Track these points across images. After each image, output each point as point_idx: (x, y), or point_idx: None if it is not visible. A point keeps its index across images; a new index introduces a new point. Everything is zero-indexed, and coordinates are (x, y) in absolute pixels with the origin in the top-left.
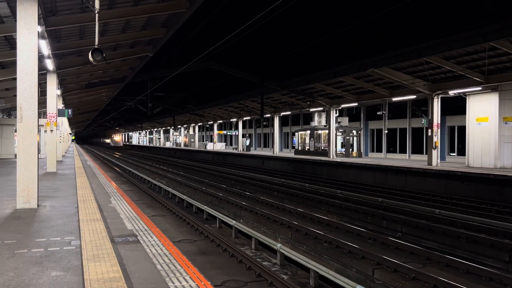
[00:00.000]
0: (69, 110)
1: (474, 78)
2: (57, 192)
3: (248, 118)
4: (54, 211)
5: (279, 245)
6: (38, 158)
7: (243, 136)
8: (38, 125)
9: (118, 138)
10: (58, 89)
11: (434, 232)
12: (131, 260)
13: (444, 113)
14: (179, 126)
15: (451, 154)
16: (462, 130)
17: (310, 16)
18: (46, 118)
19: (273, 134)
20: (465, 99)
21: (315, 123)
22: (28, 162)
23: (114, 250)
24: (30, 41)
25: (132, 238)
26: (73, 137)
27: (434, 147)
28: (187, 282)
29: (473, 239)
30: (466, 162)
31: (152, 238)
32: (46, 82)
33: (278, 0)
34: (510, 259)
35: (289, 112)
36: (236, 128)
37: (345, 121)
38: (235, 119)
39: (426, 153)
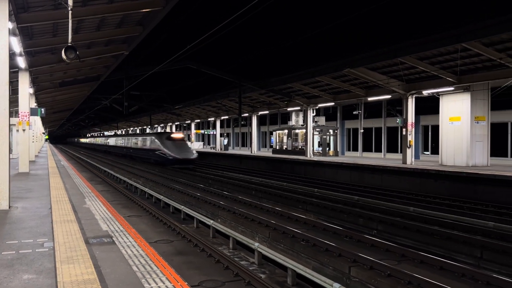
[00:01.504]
0: (42, 109)
1: (447, 78)
2: (30, 193)
3: (226, 117)
4: (26, 213)
5: (256, 244)
6: (9, 158)
7: (221, 135)
8: (10, 125)
9: (178, 134)
10: (31, 87)
11: (409, 230)
12: (106, 262)
13: (418, 112)
14: (156, 126)
15: (425, 153)
16: (436, 129)
17: (288, 16)
18: (18, 117)
19: (251, 133)
20: (439, 99)
21: (292, 122)
22: None
23: (88, 252)
24: (1, 38)
25: (107, 239)
26: (47, 137)
27: (408, 146)
28: (164, 283)
29: (446, 236)
30: (440, 161)
31: (128, 239)
32: (18, 81)
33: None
34: (481, 255)
35: (267, 112)
36: (214, 127)
37: (322, 120)
38: (213, 118)
39: (401, 152)
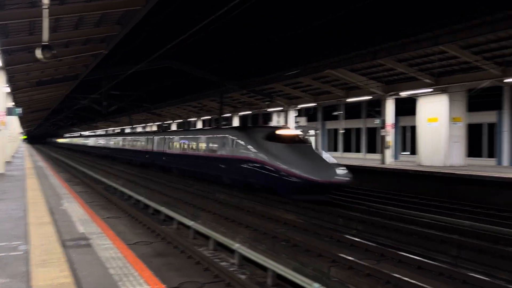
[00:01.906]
0: (19, 109)
1: (425, 80)
2: (5, 195)
3: (208, 117)
4: (0, 215)
5: (237, 245)
6: None
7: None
8: None
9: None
10: (7, 86)
11: (388, 229)
12: (82, 265)
13: (397, 113)
14: (136, 126)
15: (404, 153)
16: (414, 130)
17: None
18: None
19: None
20: (417, 100)
21: (274, 123)
22: None
23: (64, 255)
24: None
25: (84, 241)
26: (24, 137)
27: (387, 146)
28: (142, 286)
29: (424, 235)
30: (418, 161)
31: (105, 241)
32: None
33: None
34: (458, 254)
35: (248, 112)
36: (195, 127)
37: (303, 121)
38: (194, 119)
39: (381, 152)
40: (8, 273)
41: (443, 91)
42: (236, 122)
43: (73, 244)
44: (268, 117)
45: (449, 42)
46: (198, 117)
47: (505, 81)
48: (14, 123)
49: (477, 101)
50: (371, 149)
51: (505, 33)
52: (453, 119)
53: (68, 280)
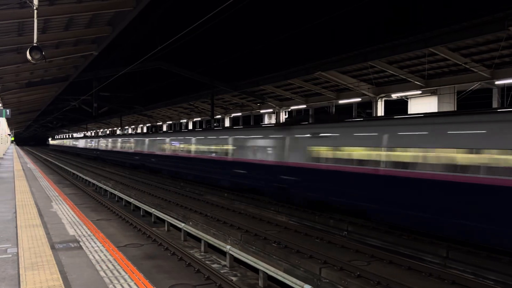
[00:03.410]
0: (7, 110)
1: (415, 82)
2: None
3: (199, 119)
4: None
5: (228, 246)
6: None
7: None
8: None
9: None
10: None
11: (378, 231)
12: (72, 268)
13: (388, 115)
14: (127, 127)
15: None
16: None
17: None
18: None
19: None
20: (407, 102)
21: (265, 124)
22: None
23: (54, 257)
24: None
25: (74, 244)
26: (13, 138)
27: None
28: None
29: (413, 237)
30: None
31: (95, 243)
32: None
33: (228, 1)
34: (447, 255)
35: (239, 114)
36: (186, 129)
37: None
38: (185, 120)
39: None
40: None
41: (432, 93)
42: (227, 124)
43: (63, 247)
44: (259, 118)
45: (438, 44)
46: (189, 118)
47: (496, 83)
48: (2, 124)
49: (467, 103)
50: None
51: (493, 36)
52: None
53: (58, 283)
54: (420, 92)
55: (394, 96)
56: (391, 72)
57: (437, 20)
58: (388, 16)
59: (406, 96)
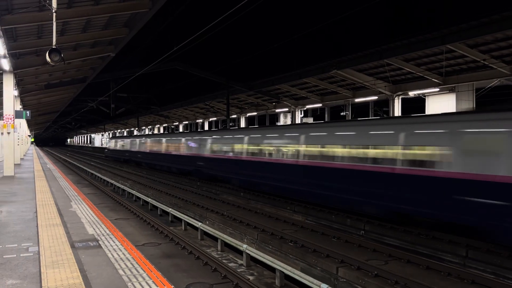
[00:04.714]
0: (28, 112)
1: (433, 79)
2: (15, 197)
3: (214, 119)
4: (11, 217)
5: (245, 246)
6: None
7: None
8: None
9: None
10: (16, 90)
11: (395, 230)
12: (92, 266)
13: (404, 113)
14: (144, 127)
15: None
16: None
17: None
18: (3, 120)
19: None
20: (424, 99)
21: (281, 123)
22: None
23: (74, 256)
24: None
25: (93, 243)
26: (33, 139)
27: None
28: (150, 287)
29: (432, 236)
30: None
31: (114, 242)
32: (2, 83)
33: (243, 1)
34: (467, 254)
35: (255, 113)
36: (202, 129)
37: (310, 121)
38: (201, 120)
39: None
40: (19, 274)
41: (450, 90)
42: (242, 123)
43: (82, 246)
44: (275, 118)
45: (456, 41)
46: (205, 118)
47: None
48: (22, 125)
49: (485, 100)
50: None
51: None
52: None
53: (78, 281)
54: (437, 89)
55: (412, 94)
56: (408, 69)
57: (455, 16)
58: (402, 13)
59: (423, 94)
